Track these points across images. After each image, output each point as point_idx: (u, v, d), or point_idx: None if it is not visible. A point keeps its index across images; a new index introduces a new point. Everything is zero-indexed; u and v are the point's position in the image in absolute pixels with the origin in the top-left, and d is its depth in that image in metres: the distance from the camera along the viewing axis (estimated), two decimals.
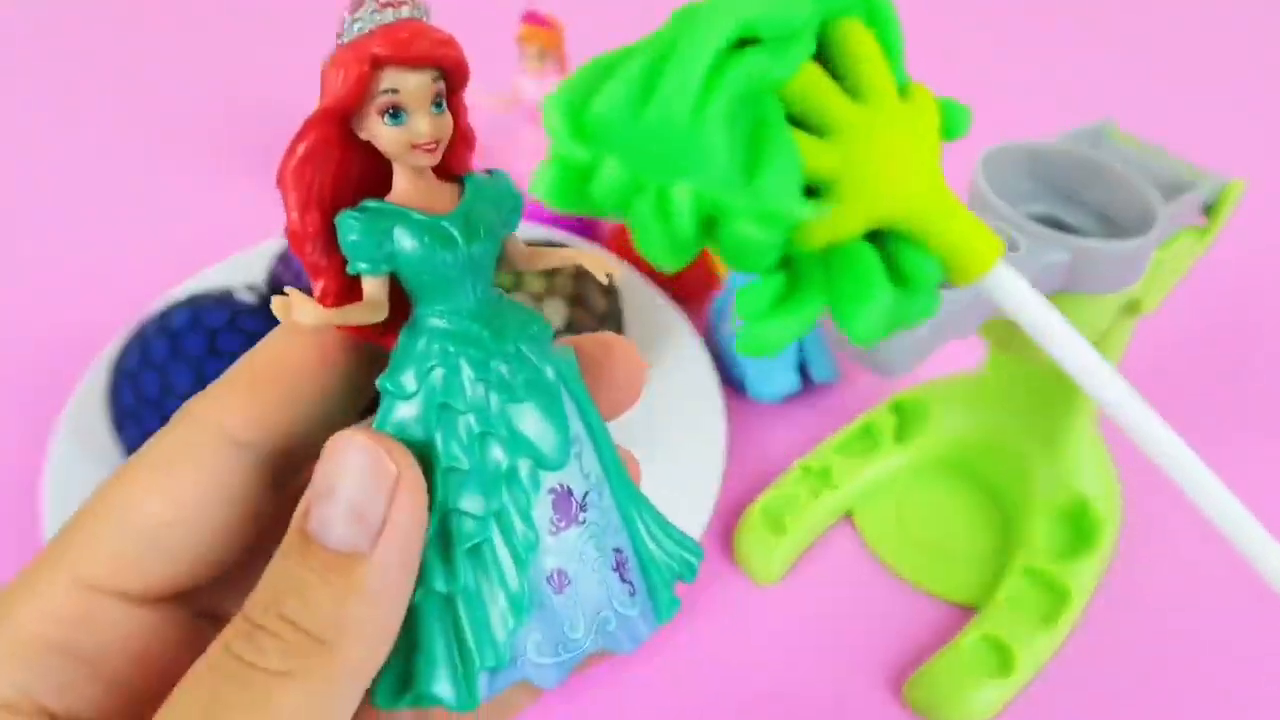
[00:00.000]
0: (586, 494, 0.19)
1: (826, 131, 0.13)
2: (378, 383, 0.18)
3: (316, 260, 0.17)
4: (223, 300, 0.43)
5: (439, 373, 0.18)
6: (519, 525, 0.18)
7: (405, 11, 0.17)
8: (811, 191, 0.13)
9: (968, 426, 0.47)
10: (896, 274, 0.14)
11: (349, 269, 0.17)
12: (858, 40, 0.14)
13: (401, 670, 0.17)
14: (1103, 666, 0.41)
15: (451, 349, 0.18)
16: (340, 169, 0.17)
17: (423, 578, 0.17)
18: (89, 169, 0.68)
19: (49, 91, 0.75)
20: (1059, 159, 0.37)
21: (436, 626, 0.17)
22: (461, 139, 0.19)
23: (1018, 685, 0.39)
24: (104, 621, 0.16)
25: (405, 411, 0.18)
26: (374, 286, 0.18)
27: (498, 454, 0.18)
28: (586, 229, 0.60)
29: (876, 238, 0.14)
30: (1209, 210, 0.39)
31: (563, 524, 0.18)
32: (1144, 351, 0.51)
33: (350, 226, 0.17)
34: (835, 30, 0.14)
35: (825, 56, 0.14)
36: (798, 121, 0.13)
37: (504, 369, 0.18)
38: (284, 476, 0.18)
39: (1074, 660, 0.41)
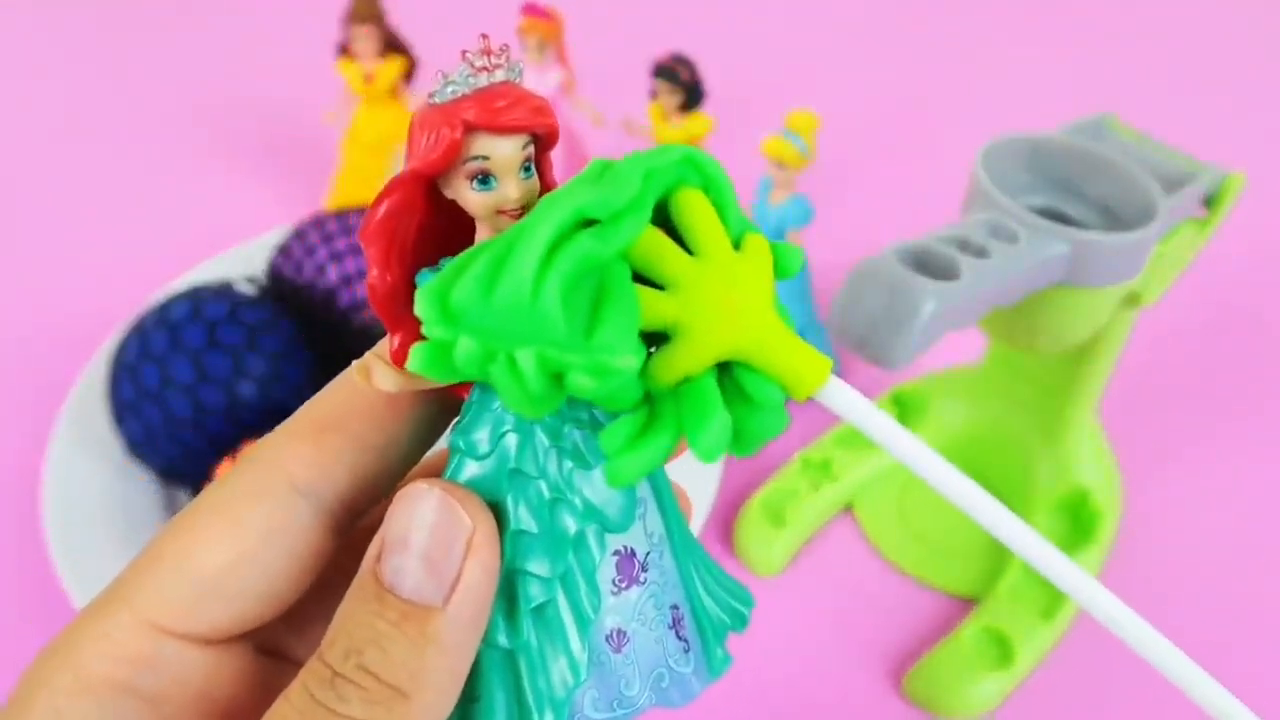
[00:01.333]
0: (648, 554, 0.19)
1: (667, 285, 0.16)
2: (449, 440, 0.18)
3: (395, 315, 0.17)
4: (222, 292, 0.43)
5: (513, 438, 0.17)
6: (583, 588, 0.18)
7: (500, 75, 0.17)
8: (660, 337, 0.16)
9: (968, 418, 0.47)
10: (744, 397, 0.16)
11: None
12: (691, 206, 0.16)
13: (459, 718, 0.17)
14: (1102, 658, 0.41)
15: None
16: (423, 226, 0.17)
17: (486, 631, 0.17)
18: (88, 163, 0.68)
19: (49, 87, 0.75)
20: (1060, 151, 0.37)
21: (497, 679, 0.17)
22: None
23: (1018, 677, 0.39)
24: (169, 661, 0.17)
25: (475, 470, 0.17)
26: None
27: (568, 521, 0.17)
28: None
29: (726, 370, 0.16)
30: (1209, 202, 0.38)
31: (624, 584, 0.18)
32: (1143, 343, 0.51)
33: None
34: (674, 200, 0.16)
35: (670, 222, 0.17)
36: (647, 278, 0.16)
37: (578, 435, 0.17)
38: (348, 522, 0.18)
39: (1074, 652, 0.41)
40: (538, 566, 0.17)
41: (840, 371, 0.53)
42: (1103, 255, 0.34)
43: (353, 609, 0.16)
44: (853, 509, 0.47)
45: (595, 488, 0.18)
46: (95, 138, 0.70)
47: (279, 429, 0.18)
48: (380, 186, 0.58)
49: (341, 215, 0.48)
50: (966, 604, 0.43)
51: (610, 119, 0.56)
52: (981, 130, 0.41)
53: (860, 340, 0.32)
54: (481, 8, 0.82)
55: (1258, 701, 0.38)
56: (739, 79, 0.71)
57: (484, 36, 0.17)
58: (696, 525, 0.43)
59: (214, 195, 0.65)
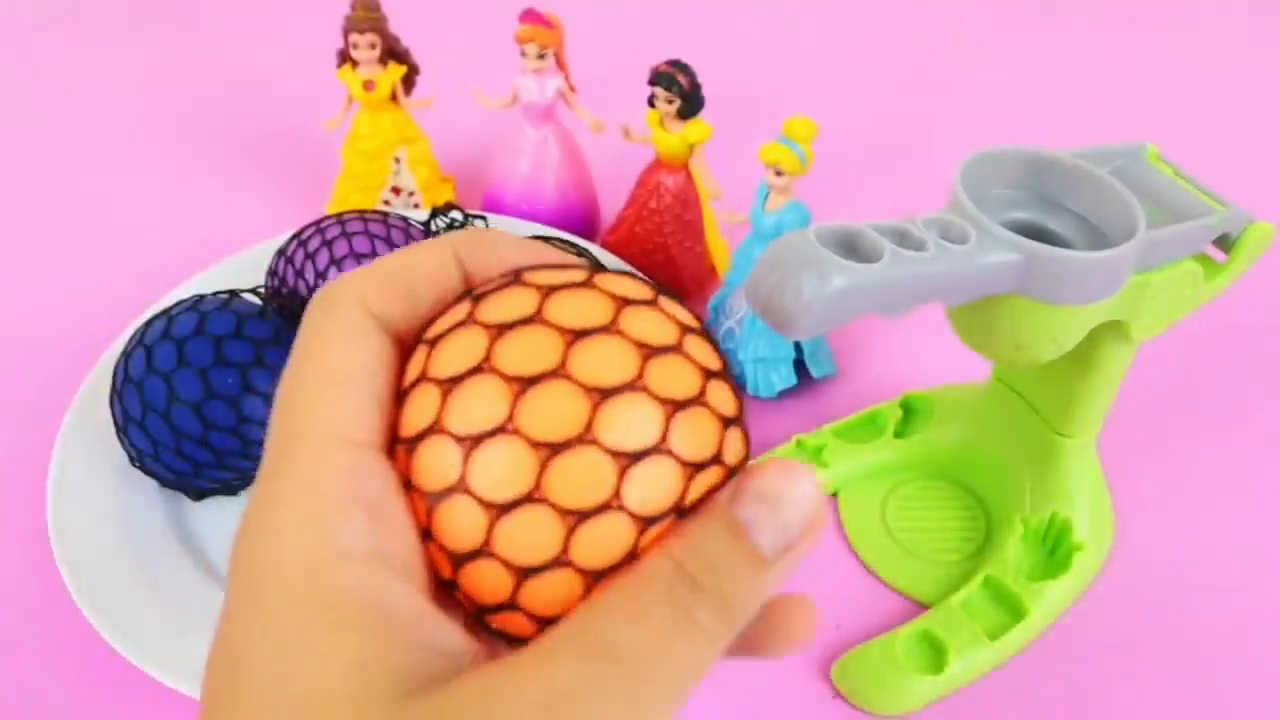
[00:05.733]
0: None
1: None
2: None
3: None
4: (227, 305, 0.43)
5: None
6: None
7: None
8: None
9: (966, 433, 0.48)
10: None
11: None
12: None
13: None
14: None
15: None
16: None
17: None
18: (89, 168, 0.69)
19: (48, 93, 0.76)
20: (1047, 166, 0.37)
21: None
22: None
23: (949, 686, 0.40)
24: (373, 468, 0.19)
25: None
26: None
27: None
28: (585, 229, 0.60)
29: None
30: (1228, 247, 0.38)
31: None
32: (1151, 380, 0.50)
33: None
34: None
35: None
36: None
37: None
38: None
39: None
40: None
41: (838, 373, 0.53)
42: (1060, 271, 0.34)
43: (714, 533, 0.19)
44: (836, 499, 0.48)
45: None
46: (96, 142, 0.71)
47: (355, 274, 0.21)
48: (379, 191, 0.58)
49: (342, 220, 0.49)
50: (923, 609, 0.44)
51: (609, 126, 0.56)
52: (983, 141, 0.41)
53: (765, 305, 0.32)
54: (481, 16, 0.82)
55: None
56: (737, 86, 0.72)
57: None
58: None
59: (216, 201, 0.65)
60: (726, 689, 0.41)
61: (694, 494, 0.19)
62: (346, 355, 0.19)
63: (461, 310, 0.19)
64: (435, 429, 0.18)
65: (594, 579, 0.18)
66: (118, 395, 0.42)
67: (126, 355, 0.43)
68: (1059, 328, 0.36)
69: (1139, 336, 0.39)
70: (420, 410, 0.19)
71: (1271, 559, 0.46)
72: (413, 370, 0.19)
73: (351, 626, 0.17)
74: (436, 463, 0.18)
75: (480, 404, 0.18)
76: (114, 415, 0.43)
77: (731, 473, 0.20)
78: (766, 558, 0.19)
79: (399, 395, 0.20)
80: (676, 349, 0.19)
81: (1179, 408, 0.53)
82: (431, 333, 0.20)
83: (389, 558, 0.18)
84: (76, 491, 0.44)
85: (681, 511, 0.19)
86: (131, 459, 0.43)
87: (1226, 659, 0.42)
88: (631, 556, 0.18)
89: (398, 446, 0.19)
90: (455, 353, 0.19)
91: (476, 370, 0.18)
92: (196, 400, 0.41)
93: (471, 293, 0.20)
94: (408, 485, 0.19)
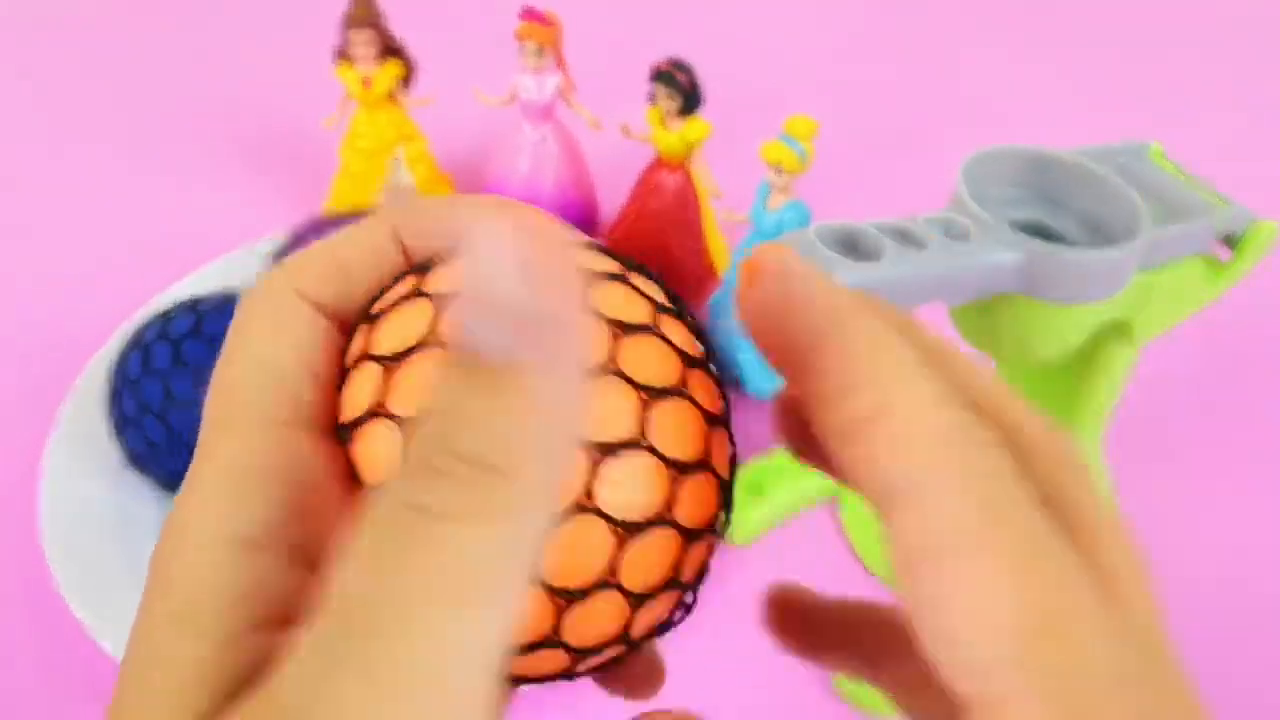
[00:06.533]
0: None
1: None
2: None
3: None
4: (224, 305, 0.43)
5: None
6: None
7: None
8: None
9: None
10: None
11: None
12: None
13: None
14: None
15: None
16: None
17: None
18: (84, 167, 0.69)
19: (42, 90, 0.76)
20: (1049, 165, 0.37)
21: None
22: None
23: None
24: (299, 449, 0.16)
25: None
26: None
27: None
28: (584, 227, 0.59)
29: None
30: (1235, 246, 0.38)
31: None
32: (1159, 385, 0.50)
33: None
34: None
35: None
36: None
37: None
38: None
39: None
40: None
41: None
42: (1062, 270, 0.34)
43: (440, 392, 0.13)
44: (838, 503, 0.48)
45: None
46: (91, 141, 0.71)
47: (286, 260, 0.18)
48: (378, 190, 0.57)
49: (340, 220, 0.48)
50: None
51: (608, 124, 0.56)
52: (984, 140, 0.41)
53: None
54: (480, 13, 0.82)
55: None
56: (738, 84, 0.71)
57: None
58: None
59: (213, 200, 0.65)
60: (726, 689, 0.41)
61: (682, 503, 0.16)
62: (274, 337, 0.17)
63: (407, 284, 0.17)
64: (376, 412, 0.16)
65: (564, 599, 0.15)
66: (114, 395, 0.42)
67: (123, 355, 0.43)
68: (1062, 327, 0.36)
69: (1143, 336, 0.38)
70: (360, 392, 0.16)
71: (1276, 560, 0.46)
72: (353, 350, 0.17)
73: (195, 632, 0.15)
74: (378, 449, 0.16)
75: (425, 383, 0.15)
76: (110, 415, 0.42)
77: (723, 484, 0.16)
78: (523, 362, 0.13)
79: (340, 378, 0.17)
80: (650, 329, 0.16)
81: (1184, 408, 0.53)
82: (374, 309, 0.18)
83: (300, 545, 0.15)
84: (71, 492, 0.44)
85: (669, 523, 0.15)
86: (127, 459, 0.43)
87: (1231, 660, 0.42)
88: (610, 572, 0.15)
89: (340, 432, 0.17)
90: (398, 328, 0.16)
91: (421, 345, 0.16)
92: (193, 399, 0.40)
93: (418, 265, 0.18)
94: (351, 475, 0.16)
